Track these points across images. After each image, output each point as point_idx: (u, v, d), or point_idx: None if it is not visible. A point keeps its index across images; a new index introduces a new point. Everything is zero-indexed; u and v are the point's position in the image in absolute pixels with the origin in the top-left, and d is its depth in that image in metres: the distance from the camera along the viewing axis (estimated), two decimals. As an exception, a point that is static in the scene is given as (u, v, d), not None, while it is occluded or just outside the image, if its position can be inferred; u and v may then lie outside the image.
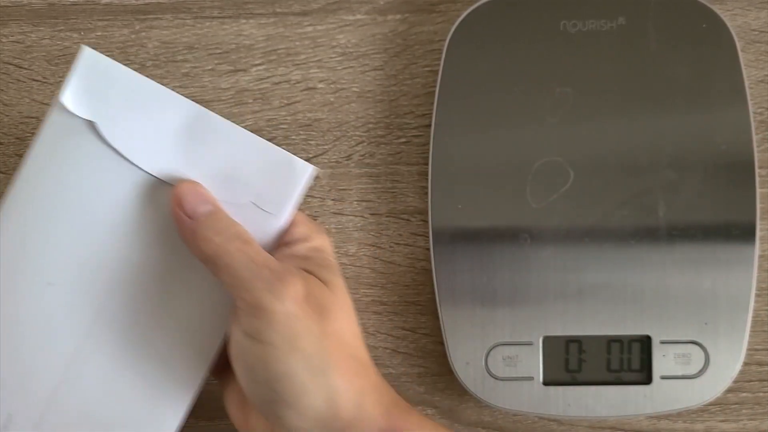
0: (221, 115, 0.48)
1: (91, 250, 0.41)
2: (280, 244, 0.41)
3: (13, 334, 0.41)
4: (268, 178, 0.40)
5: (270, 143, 0.41)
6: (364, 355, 0.40)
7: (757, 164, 0.45)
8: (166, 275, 0.41)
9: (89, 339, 0.41)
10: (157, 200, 0.41)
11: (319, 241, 0.41)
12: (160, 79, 0.48)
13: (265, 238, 0.41)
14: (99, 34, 0.48)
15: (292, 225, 0.41)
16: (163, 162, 0.40)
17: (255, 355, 0.37)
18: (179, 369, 0.41)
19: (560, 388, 0.45)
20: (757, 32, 0.48)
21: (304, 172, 0.40)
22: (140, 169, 0.40)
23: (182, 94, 0.46)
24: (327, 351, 0.37)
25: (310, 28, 0.48)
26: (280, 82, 0.48)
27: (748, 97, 0.45)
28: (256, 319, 0.37)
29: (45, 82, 0.48)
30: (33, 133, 0.45)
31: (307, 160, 0.48)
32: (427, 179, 0.46)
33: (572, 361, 0.45)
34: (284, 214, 0.41)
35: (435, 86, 0.46)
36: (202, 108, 0.41)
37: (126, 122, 0.40)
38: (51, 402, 0.41)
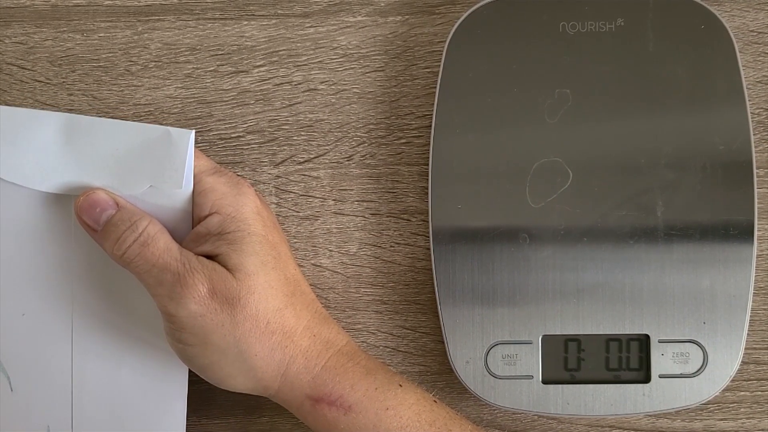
0: (222, 116, 0.48)
1: (47, 275, 0.43)
2: (196, 219, 0.42)
3: (19, 359, 0.44)
4: (156, 156, 0.41)
5: (144, 124, 0.42)
6: (289, 322, 0.41)
7: (755, 164, 0.45)
8: (117, 272, 0.42)
9: (77, 350, 0.44)
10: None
11: (232, 207, 0.41)
12: (163, 81, 0.48)
13: (176, 216, 0.42)
14: (101, 35, 0.48)
15: (204, 194, 0.42)
16: (58, 177, 0.42)
17: (179, 352, 0.41)
18: (168, 348, 0.42)
19: (559, 387, 0.45)
20: (755, 33, 0.48)
21: (185, 138, 0.41)
22: (43, 191, 0.42)
23: (184, 95, 0.47)
24: (240, 338, 0.40)
25: (311, 30, 0.48)
26: (281, 84, 0.48)
27: (746, 98, 0.45)
28: (169, 324, 0.40)
29: (48, 83, 0.48)
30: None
31: (309, 160, 0.48)
32: (427, 179, 0.46)
33: (571, 360, 0.45)
34: (184, 185, 0.41)
35: (435, 87, 0.46)
36: (68, 114, 0.42)
37: (6, 154, 0.42)
38: (75, 409, 0.44)
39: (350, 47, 0.48)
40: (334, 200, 0.48)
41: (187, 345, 0.40)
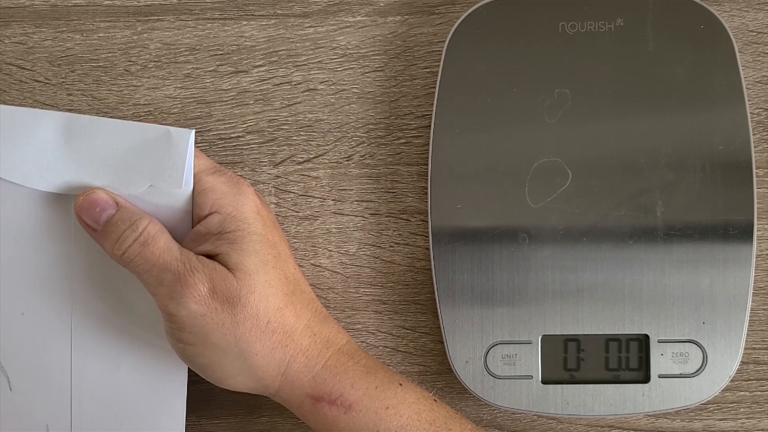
0: (222, 116, 0.48)
1: (46, 274, 0.43)
2: (196, 218, 0.42)
3: (19, 358, 0.44)
4: (155, 156, 0.41)
5: (144, 123, 0.42)
6: (289, 321, 0.41)
7: (754, 164, 0.45)
8: (116, 271, 0.42)
9: (76, 350, 0.44)
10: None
11: (232, 206, 0.41)
12: (162, 81, 0.48)
13: (177, 215, 0.42)
14: (101, 35, 0.48)
15: (204, 194, 0.42)
16: (57, 177, 0.42)
17: (179, 351, 0.41)
18: (167, 347, 0.42)
19: (559, 387, 0.45)
20: (754, 33, 0.48)
21: (185, 137, 0.41)
22: (42, 190, 0.42)
23: (184, 95, 0.47)
24: (241, 338, 0.40)
25: (310, 30, 0.48)
26: (281, 84, 0.48)
27: (746, 98, 0.45)
28: (169, 323, 0.40)
29: (47, 83, 0.48)
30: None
31: (308, 160, 0.48)
32: (426, 179, 0.46)
33: (571, 360, 0.45)
34: (184, 185, 0.41)
35: (435, 87, 0.46)
36: (68, 113, 0.42)
37: (6, 153, 0.42)
38: (74, 408, 0.43)
39: (350, 47, 0.48)
40: (333, 200, 0.48)
41: (187, 344, 0.40)
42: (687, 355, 0.45)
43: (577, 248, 0.45)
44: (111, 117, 0.47)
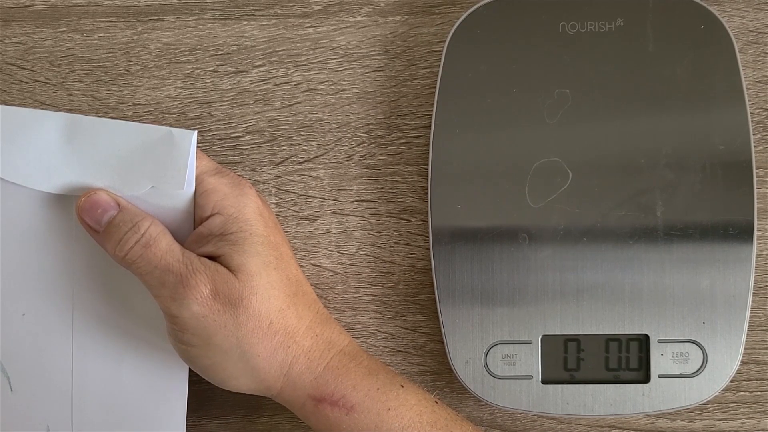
0: (222, 116, 0.48)
1: (48, 275, 0.43)
2: (198, 220, 0.42)
3: (20, 359, 0.44)
4: (157, 157, 0.41)
5: (146, 124, 0.42)
6: (291, 323, 0.41)
7: (754, 164, 0.45)
8: (117, 272, 0.42)
9: (77, 350, 0.44)
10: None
11: (234, 207, 0.41)
12: (163, 81, 0.48)
13: (179, 216, 0.42)
14: (101, 35, 0.48)
15: (206, 195, 0.42)
16: (59, 178, 0.42)
17: (181, 353, 0.41)
18: (168, 348, 0.42)
19: (559, 387, 0.45)
20: (755, 33, 0.48)
21: (187, 138, 0.41)
22: (44, 191, 0.42)
23: (184, 95, 0.47)
24: (243, 339, 0.40)
25: (311, 30, 0.48)
26: (281, 84, 0.48)
27: (746, 98, 0.45)
28: (172, 325, 0.40)
29: (47, 83, 0.48)
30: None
31: (308, 160, 0.48)
32: (426, 179, 0.46)
33: (571, 360, 0.45)
34: (186, 186, 0.41)
35: (435, 87, 0.46)
36: (70, 114, 0.42)
37: (7, 154, 0.42)
38: (75, 409, 0.44)
39: (350, 47, 0.48)
40: (333, 200, 0.48)
41: (189, 346, 0.40)
42: (687, 355, 0.45)
43: (577, 248, 0.45)
44: (111, 117, 0.47)
